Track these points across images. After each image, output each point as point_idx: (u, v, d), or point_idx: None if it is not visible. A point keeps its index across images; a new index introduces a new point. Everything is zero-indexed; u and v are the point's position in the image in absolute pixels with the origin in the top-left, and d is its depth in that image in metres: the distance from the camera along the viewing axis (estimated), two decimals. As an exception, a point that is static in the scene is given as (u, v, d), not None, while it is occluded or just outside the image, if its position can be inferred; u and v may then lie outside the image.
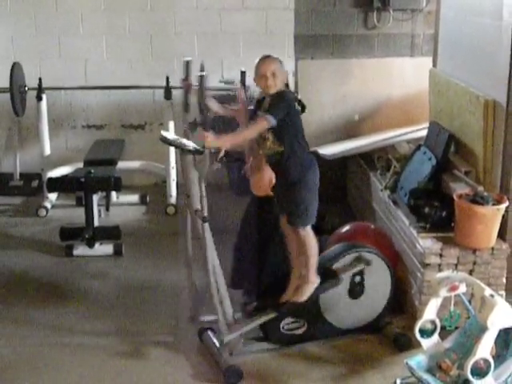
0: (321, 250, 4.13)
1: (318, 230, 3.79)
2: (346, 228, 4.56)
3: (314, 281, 3.76)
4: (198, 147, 3.59)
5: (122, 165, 5.76)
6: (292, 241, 3.79)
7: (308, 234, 3.71)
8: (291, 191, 3.65)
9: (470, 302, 3.42)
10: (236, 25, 6.24)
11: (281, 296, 3.79)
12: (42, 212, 5.81)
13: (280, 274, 3.93)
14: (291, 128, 3.59)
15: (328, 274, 3.83)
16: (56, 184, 5.18)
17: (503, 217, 3.92)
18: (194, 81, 4.12)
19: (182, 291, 4.35)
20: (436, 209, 4.12)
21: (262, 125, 3.50)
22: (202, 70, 5.50)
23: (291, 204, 3.67)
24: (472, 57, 4.58)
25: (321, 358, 3.77)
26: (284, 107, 3.53)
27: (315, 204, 3.69)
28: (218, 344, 3.71)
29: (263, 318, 3.76)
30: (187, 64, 4.20)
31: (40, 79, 5.90)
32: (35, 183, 6.32)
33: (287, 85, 3.68)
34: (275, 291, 3.85)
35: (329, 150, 5.61)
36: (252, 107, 3.82)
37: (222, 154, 3.47)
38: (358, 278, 3.88)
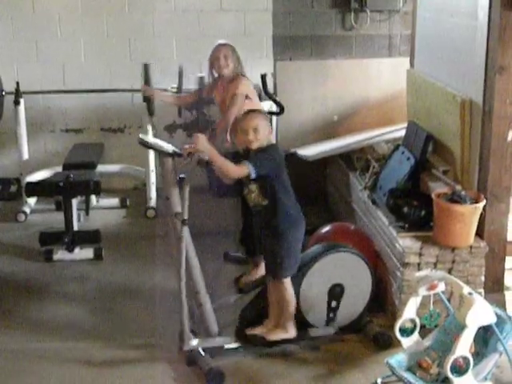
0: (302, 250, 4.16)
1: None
2: (326, 228, 4.58)
3: (290, 332, 3.75)
4: (177, 150, 3.60)
5: (101, 168, 5.74)
6: (271, 288, 3.77)
7: (284, 287, 3.69)
8: (271, 243, 3.65)
9: (449, 300, 3.45)
10: (214, 27, 6.24)
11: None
12: (21, 217, 5.77)
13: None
14: (275, 184, 3.58)
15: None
16: (35, 188, 5.15)
17: (481, 215, 3.95)
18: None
19: (162, 294, 4.35)
20: (415, 208, 4.14)
21: (242, 171, 3.49)
22: (180, 72, 5.56)
23: (268, 255, 3.70)
24: (448, 57, 4.61)
25: (302, 359, 3.78)
26: (268, 164, 3.52)
27: (294, 259, 3.68)
28: (199, 347, 3.72)
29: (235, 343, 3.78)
30: (146, 68, 4.25)
31: (17, 83, 5.86)
32: (14, 188, 6.26)
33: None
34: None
35: (308, 151, 5.64)
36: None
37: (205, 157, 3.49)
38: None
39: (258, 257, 4.32)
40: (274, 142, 3.67)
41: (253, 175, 3.49)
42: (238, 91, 4.38)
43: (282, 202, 3.61)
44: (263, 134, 3.55)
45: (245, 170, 3.48)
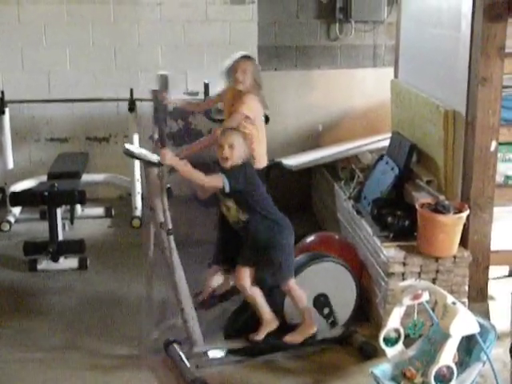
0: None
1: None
2: (310, 238, 4.58)
3: (312, 326, 3.78)
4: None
5: (86, 178, 5.72)
6: (247, 296, 3.77)
7: (291, 288, 3.73)
8: (262, 254, 3.67)
9: (433, 310, 3.46)
10: (200, 37, 6.26)
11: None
12: (6, 226, 5.74)
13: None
14: (251, 198, 3.63)
15: None
16: (19, 198, 5.13)
17: (464, 225, 3.97)
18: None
19: (147, 304, 4.34)
20: (399, 218, 4.17)
21: (216, 182, 3.54)
22: (166, 82, 5.54)
23: (264, 266, 3.69)
24: (432, 67, 4.65)
25: (286, 369, 3.78)
26: (242, 180, 3.57)
27: (290, 261, 3.72)
28: (183, 356, 3.71)
29: (234, 345, 3.81)
30: (163, 78, 4.27)
31: (2, 92, 5.84)
32: (-2, 197, 6.25)
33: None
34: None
35: (293, 161, 5.66)
36: None
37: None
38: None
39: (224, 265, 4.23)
40: (250, 161, 3.67)
41: (227, 189, 3.53)
42: (239, 110, 4.22)
43: (261, 215, 3.65)
44: (238, 152, 3.59)
45: (219, 181, 3.52)
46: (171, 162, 3.49)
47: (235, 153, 3.57)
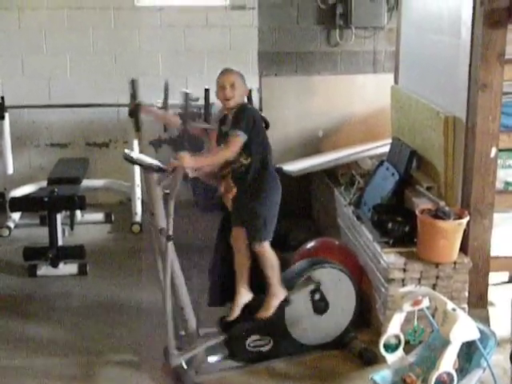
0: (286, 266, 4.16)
1: (282, 246, 3.80)
2: (310, 244, 4.58)
3: (279, 294, 3.76)
4: (163, 166, 3.60)
5: (86, 183, 5.73)
6: (239, 255, 3.76)
7: (266, 250, 3.70)
8: (253, 205, 3.65)
9: (433, 316, 3.46)
10: (200, 42, 6.27)
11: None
12: (5, 232, 5.74)
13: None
14: (258, 140, 3.61)
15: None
16: (19, 203, 5.13)
17: (464, 231, 3.97)
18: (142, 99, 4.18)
19: (147, 310, 4.34)
20: (399, 224, 4.16)
21: (238, 142, 3.51)
22: (166, 88, 5.55)
23: (251, 218, 3.67)
24: (432, 73, 4.65)
25: (287, 375, 3.77)
26: (249, 121, 3.55)
27: (274, 221, 3.70)
28: (183, 362, 3.70)
29: (218, 338, 3.78)
30: (133, 83, 4.22)
31: (2, 98, 5.85)
32: (-2, 202, 6.25)
33: (249, 98, 3.69)
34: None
35: (293, 167, 5.65)
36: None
37: (192, 173, 3.51)
38: (317, 296, 3.90)
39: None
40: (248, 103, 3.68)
41: (245, 137, 3.52)
42: None
43: (266, 160, 3.64)
44: (240, 91, 3.61)
45: (238, 138, 3.50)
46: (192, 163, 3.45)
47: (237, 92, 3.59)
